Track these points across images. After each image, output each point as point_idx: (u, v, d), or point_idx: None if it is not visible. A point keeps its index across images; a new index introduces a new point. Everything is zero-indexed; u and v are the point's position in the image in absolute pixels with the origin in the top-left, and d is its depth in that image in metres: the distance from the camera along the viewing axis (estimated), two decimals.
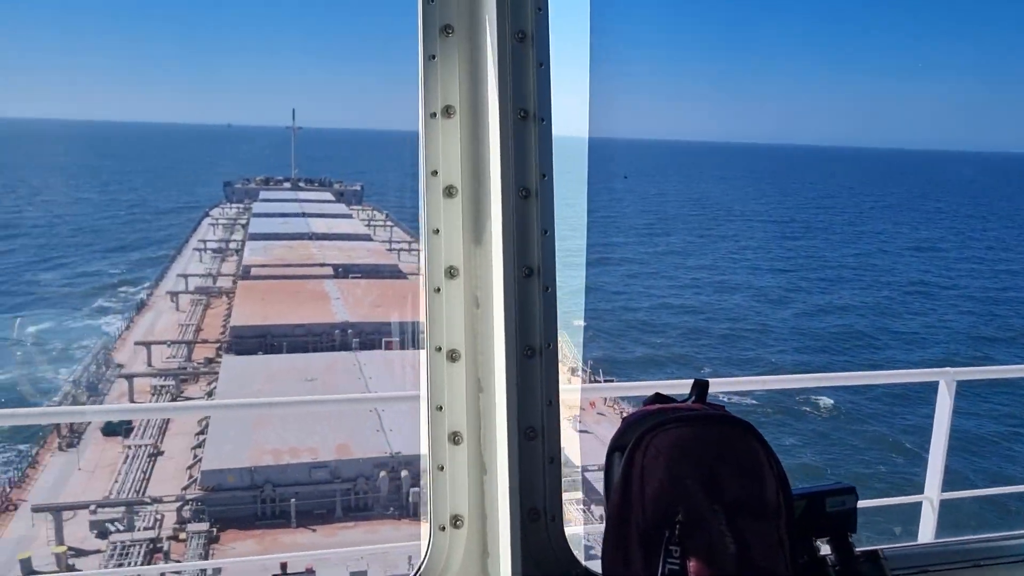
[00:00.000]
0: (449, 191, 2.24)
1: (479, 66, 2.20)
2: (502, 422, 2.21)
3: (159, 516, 23.51)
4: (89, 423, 29.51)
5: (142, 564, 21.46)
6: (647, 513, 1.58)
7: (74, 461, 27.29)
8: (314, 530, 23.65)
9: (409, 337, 39.07)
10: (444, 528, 2.31)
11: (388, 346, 38.03)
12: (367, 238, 67.49)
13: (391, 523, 24.24)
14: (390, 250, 65.57)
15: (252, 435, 26.05)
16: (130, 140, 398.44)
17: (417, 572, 2.35)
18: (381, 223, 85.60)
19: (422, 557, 2.35)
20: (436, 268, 2.27)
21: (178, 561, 22.11)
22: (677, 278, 78.56)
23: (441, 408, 2.29)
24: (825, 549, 1.84)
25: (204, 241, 68.93)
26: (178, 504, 23.89)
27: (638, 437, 1.64)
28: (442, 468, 2.29)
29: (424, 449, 2.33)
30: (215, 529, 23.06)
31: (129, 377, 34.70)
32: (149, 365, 36.70)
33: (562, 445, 2.29)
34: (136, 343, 39.30)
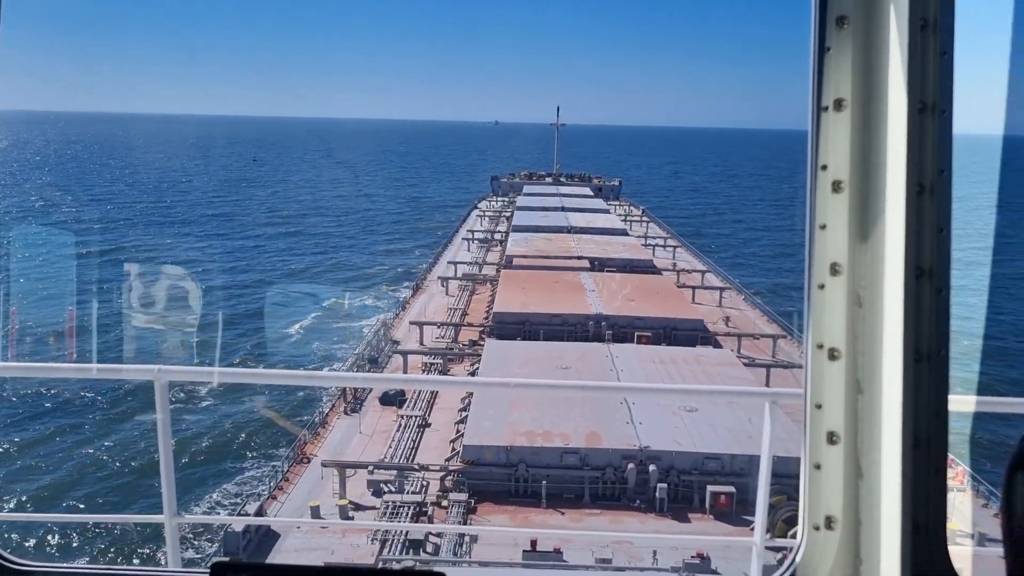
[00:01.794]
0: (837, 186, 2.21)
1: (874, 56, 2.14)
2: (884, 427, 2.17)
3: (425, 483, 25.52)
4: (370, 392, 32.85)
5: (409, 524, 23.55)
6: None
7: (356, 425, 30.52)
8: (563, 513, 24.35)
9: (662, 333, 38.83)
10: (818, 528, 2.30)
11: (640, 340, 38.04)
12: (623, 233, 67.84)
13: (637, 516, 24.30)
14: (646, 245, 65.42)
15: (509, 415, 27.39)
16: (410, 138, 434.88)
17: (790, 566, 2.37)
18: (637, 219, 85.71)
19: (795, 553, 2.36)
20: (820, 264, 2.25)
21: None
22: None
23: (820, 406, 2.27)
24: None
25: (472, 231, 73.62)
26: (441, 474, 25.78)
27: None
28: (818, 467, 2.29)
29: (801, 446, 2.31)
30: (472, 501, 24.60)
31: (404, 353, 38.09)
32: (421, 344, 39.96)
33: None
34: (411, 322, 43.02)
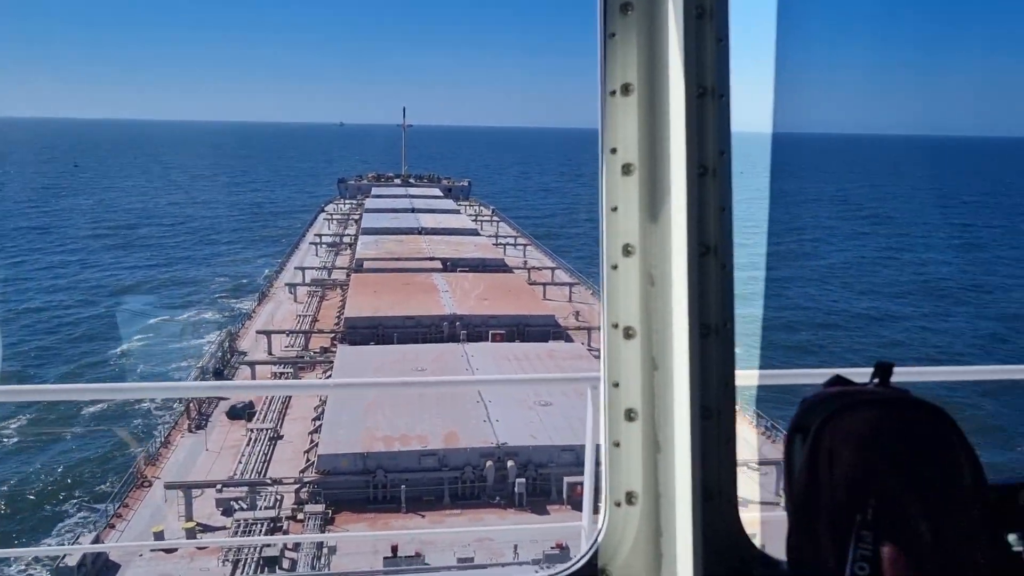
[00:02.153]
0: (627, 169, 2.24)
1: (657, 43, 2.18)
2: (678, 401, 2.21)
3: (279, 497, 24.58)
4: (216, 407, 31.24)
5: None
6: (836, 497, 1.52)
7: (202, 442, 28.91)
8: (423, 516, 24.18)
9: (515, 330, 39.43)
10: (620, 504, 2.34)
11: (495, 338, 38.44)
12: (474, 233, 68.36)
13: (497, 512, 24.50)
14: (496, 244, 66.26)
15: (365, 421, 26.88)
16: (249, 141, 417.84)
17: (593, 546, 2.38)
18: (488, 218, 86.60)
19: (597, 532, 2.39)
20: (613, 245, 2.30)
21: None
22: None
23: (617, 385, 2.30)
24: (1018, 545, 1.70)
25: (320, 235, 71.74)
26: (296, 486, 24.92)
27: (824, 419, 1.55)
28: (618, 444, 2.32)
29: (600, 426, 2.33)
30: (330, 511, 23.93)
31: (251, 364, 36.51)
32: (269, 353, 38.47)
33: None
34: (258, 332, 41.30)
